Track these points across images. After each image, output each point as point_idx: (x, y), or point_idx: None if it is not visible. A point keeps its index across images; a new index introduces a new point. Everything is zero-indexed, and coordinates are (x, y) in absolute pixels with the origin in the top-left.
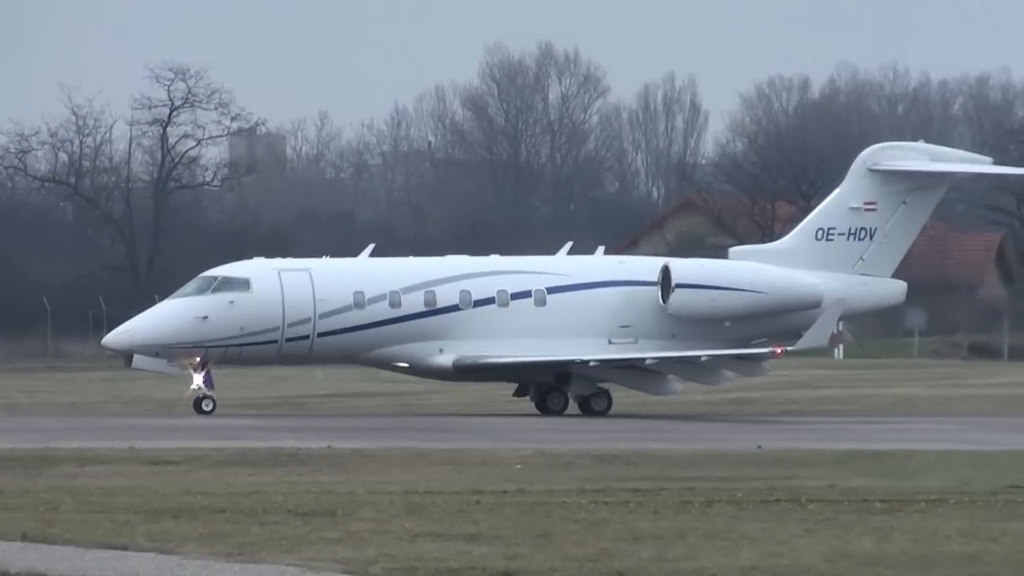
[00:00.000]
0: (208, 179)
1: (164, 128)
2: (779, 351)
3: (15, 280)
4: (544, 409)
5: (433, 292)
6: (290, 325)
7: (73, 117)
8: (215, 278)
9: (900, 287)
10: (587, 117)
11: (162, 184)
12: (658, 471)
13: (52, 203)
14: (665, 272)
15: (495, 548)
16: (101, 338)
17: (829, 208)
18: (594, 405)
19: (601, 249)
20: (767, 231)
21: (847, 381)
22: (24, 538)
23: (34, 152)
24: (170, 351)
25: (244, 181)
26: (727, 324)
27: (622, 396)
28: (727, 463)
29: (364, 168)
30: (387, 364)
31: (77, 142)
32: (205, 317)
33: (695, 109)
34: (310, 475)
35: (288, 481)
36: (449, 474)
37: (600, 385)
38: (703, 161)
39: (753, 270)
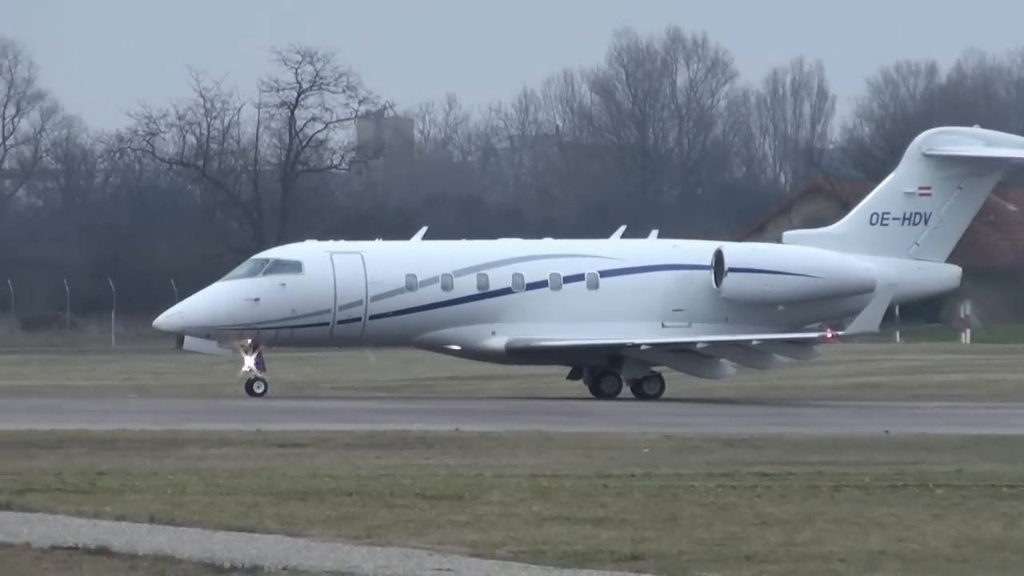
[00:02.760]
0: (336, 162)
1: (292, 111)
2: (830, 335)
3: (143, 262)
4: (598, 392)
5: (486, 275)
6: (342, 307)
7: (201, 100)
8: (267, 260)
9: (954, 272)
10: (715, 102)
11: (290, 167)
12: (785, 455)
13: (180, 186)
14: (718, 256)
15: (622, 532)
16: None
17: (884, 193)
18: (647, 389)
19: (655, 233)
20: None
21: (974, 366)
22: (152, 520)
23: (162, 135)
24: (221, 333)
25: (372, 164)
26: (780, 308)
27: (742, 379)
28: (855, 448)
29: (492, 152)
30: (439, 347)
31: (205, 125)
32: (257, 299)
33: (822, 94)
34: (438, 458)
35: (416, 464)
36: (576, 458)
37: (653, 369)
38: (830, 146)
39: (806, 254)
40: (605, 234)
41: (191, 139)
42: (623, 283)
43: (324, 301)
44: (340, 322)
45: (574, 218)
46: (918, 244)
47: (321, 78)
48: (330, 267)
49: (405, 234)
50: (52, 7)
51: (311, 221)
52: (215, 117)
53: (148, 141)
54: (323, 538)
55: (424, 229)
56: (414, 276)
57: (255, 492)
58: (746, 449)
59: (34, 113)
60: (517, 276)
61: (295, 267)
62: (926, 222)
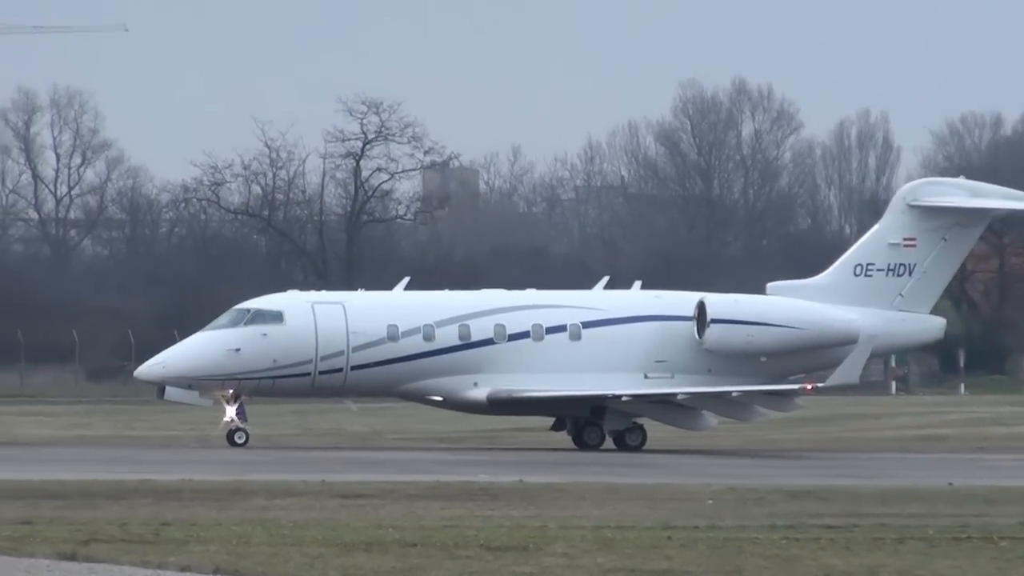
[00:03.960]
0: (401, 213)
1: (357, 161)
2: (809, 388)
3: (208, 312)
4: (581, 443)
5: (467, 326)
6: (323, 358)
7: (267, 150)
8: (248, 310)
9: (939, 323)
10: (780, 153)
11: (355, 217)
12: (850, 507)
13: (245, 235)
14: (701, 307)
15: None
16: None
17: (868, 244)
18: (628, 440)
19: (638, 284)
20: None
21: None
22: (216, 571)
23: (227, 185)
24: (202, 383)
25: (437, 215)
26: (763, 359)
27: (804, 431)
28: (918, 500)
29: (557, 202)
30: (421, 397)
31: (270, 175)
32: (238, 349)
33: (888, 145)
34: (502, 509)
35: (480, 515)
36: (640, 509)
37: (635, 420)
38: None
39: (789, 306)
40: (670, 285)
41: (256, 189)
42: (606, 334)
43: (305, 351)
44: (322, 372)
45: (639, 269)
46: (902, 295)
47: (387, 128)
48: (311, 317)
49: (471, 285)
50: (118, 57)
51: (377, 272)
52: (280, 167)
53: (213, 191)
54: None
55: (406, 279)
56: (396, 326)
57: (319, 543)
58: (810, 501)
59: (100, 163)
60: (499, 327)
61: (276, 317)
62: (910, 273)
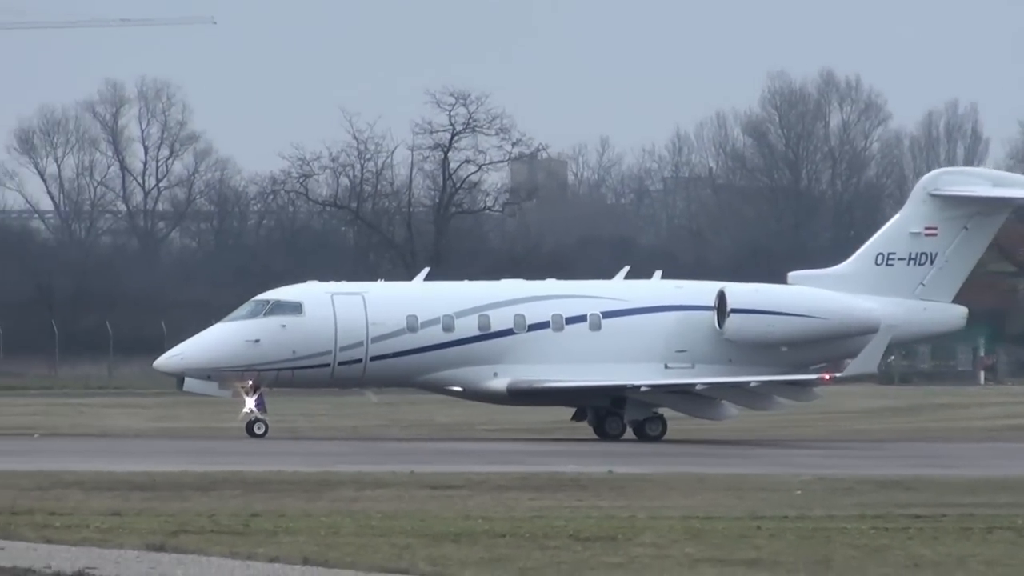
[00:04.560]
0: (489, 204)
1: (445, 153)
2: (827, 378)
3: None
4: (602, 433)
5: (487, 316)
6: (343, 349)
7: (355, 142)
8: (268, 301)
9: (960, 312)
10: (868, 144)
11: (443, 209)
12: (938, 497)
13: (333, 228)
14: (721, 297)
15: (775, 574)
16: None
17: (889, 233)
18: (648, 430)
19: (658, 273)
20: None
21: None
22: (305, 561)
23: (315, 177)
24: (221, 374)
25: (525, 206)
26: (784, 349)
27: (891, 420)
28: (1008, 490)
29: (645, 193)
30: (441, 388)
31: (358, 167)
32: (257, 340)
33: (976, 136)
34: (591, 500)
35: (569, 506)
36: (729, 499)
37: (655, 410)
38: None
39: (809, 295)
40: (759, 277)
41: (344, 181)
42: (626, 324)
43: (325, 342)
44: (341, 363)
45: (727, 260)
46: (924, 284)
47: (475, 120)
48: (331, 308)
49: (561, 276)
50: (206, 49)
51: (465, 263)
52: (369, 159)
53: (302, 183)
54: None
55: (426, 270)
56: (415, 317)
57: (408, 534)
58: (899, 491)
59: (188, 155)
60: (519, 317)
61: (296, 308)
62: (932, 262)
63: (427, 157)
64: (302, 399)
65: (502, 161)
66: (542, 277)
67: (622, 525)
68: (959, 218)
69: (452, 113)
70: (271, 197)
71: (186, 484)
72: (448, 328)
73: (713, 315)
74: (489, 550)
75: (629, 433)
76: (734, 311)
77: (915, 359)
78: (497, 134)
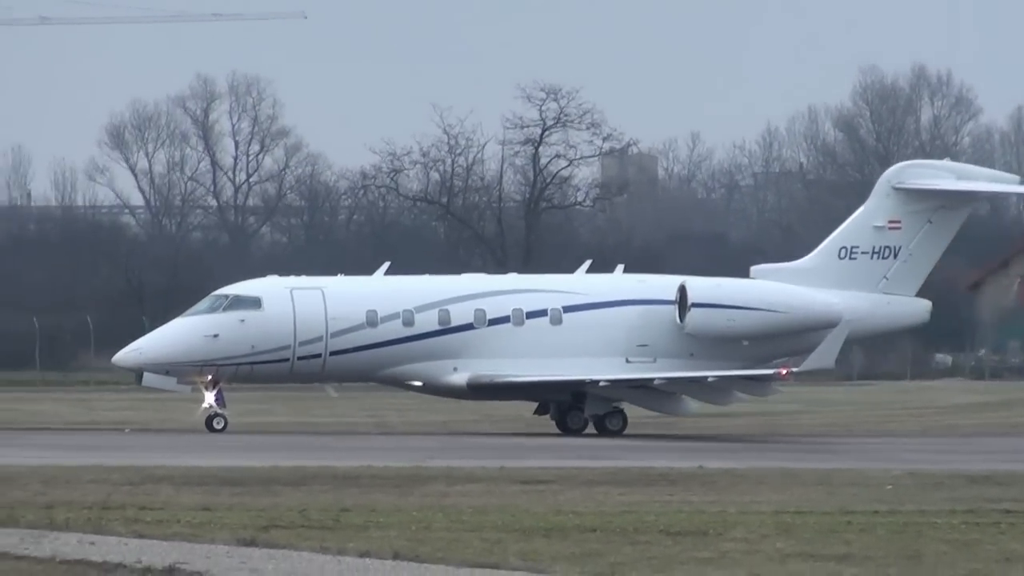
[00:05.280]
0: (580, 199)
1: (536, 148)
2: (784, 372)
3: None
4: (564, 428)
5: (447, 311)
6: (302, 344)
7: (445, 137)
8: (227, 296)
9: (924, 306)
10: (959, 139)
11: (534, 204)
12: None
13: (424, 222)
14: (682, 291)
15: (866, 569)
16: None
17: (853, 226)
18: (609, 425)
19: (620, 268)
20: None
21: None
22: (396, 556)
23: (406, 172)
24: (179, 369)
25: (616, 201)
26: (745, 343)
27: (982, 416)
28: None
29: (735, 188)
30: (401, 383)
31: (449, 162)
32: (215, 335)
33: None
34: (681, 495)
35: (659, 500)
36: (819, 494)
37: (616, 405)
38: None
39: (770, 289)
40: None
41: (435, 176)
42: (587, 318)
43: (284, 337)
44: (300, 358)
45: None
46: (887, 278)
47: (565, 115)
48: (290, 303)
49: (652, 271)
50: (296, 44)
51: (555, 258)
52: (459, 154)
53: (392, 178)
54: (566, 575)
55: (387, 264)
56: (375, 312)
57: (499, 528)
58: (990, 486)
59: (278, 150)
60: (479, 312)
61: (254, 303)
62: (895, 256)
63: (518, 152)
64: (392, 396)
65: (593, 156)
66: (637, 272)
67: (712, 520)
68: (923, 212)
69: (543, 108)
70: (361, 192)
71: (277, 479)
72: (408, 323)
73: (675, 309)
74: (579, 545)
75: (592, 428)
76: (695, 305)
77: (1006, 354)
78: (588, 129)
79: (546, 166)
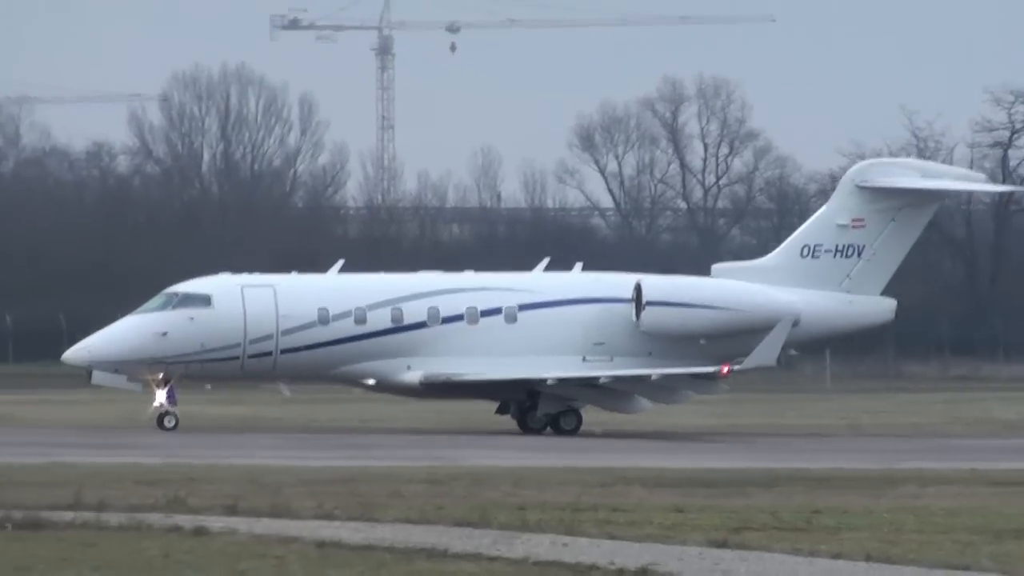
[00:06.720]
0: None
1: (1005, 151)
2: (725, 370)
3: None
4: (524, 427)
5: (400, 309)
6: (252, 342)
7: (913, 140)
8: (177, 294)
9: (888, 305)
10: None
11: (1003, 207)
12: None
13: None
14: (638, 290)
15: None
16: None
17: (816, 225)
18: (563, 424)
19: (579, 265)
20: None
21: None
22: (868, 558)
23: None
24: (129, 367)
25: None
26: (702, 342)
27: None
28: None
29: None
30: (354, 381)
31: None
32: (165, 333)
33: None
34: None
35: None
36: None
37: (570, 404)
38: None
39: (728, 288)
40: None
41: None
42: (543, 316)
43: (234, 335)
44: (251, 356)
45: None
46: (850, 277)
47: None
48: (240, 301)
49: None
50: (765, 47)
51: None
52: (927, 156)
53: None
54: None
55: (341, 262)
56: (326, 310)
57: (971, 531)
58: None
59: (747, 152)
60: (433, 309)
61: (204, 301)
62: (859, 255)
63: (986, 155)
64: (865, 396)
65: None
66: None
67: None
68: (887, 210)
69: (1011, 111)
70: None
71: (749, 480)
72: (360, 321)
73: (631, 308)
74: None
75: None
76: (650, 304)
77: None
78: None
79: (1015, 169)
